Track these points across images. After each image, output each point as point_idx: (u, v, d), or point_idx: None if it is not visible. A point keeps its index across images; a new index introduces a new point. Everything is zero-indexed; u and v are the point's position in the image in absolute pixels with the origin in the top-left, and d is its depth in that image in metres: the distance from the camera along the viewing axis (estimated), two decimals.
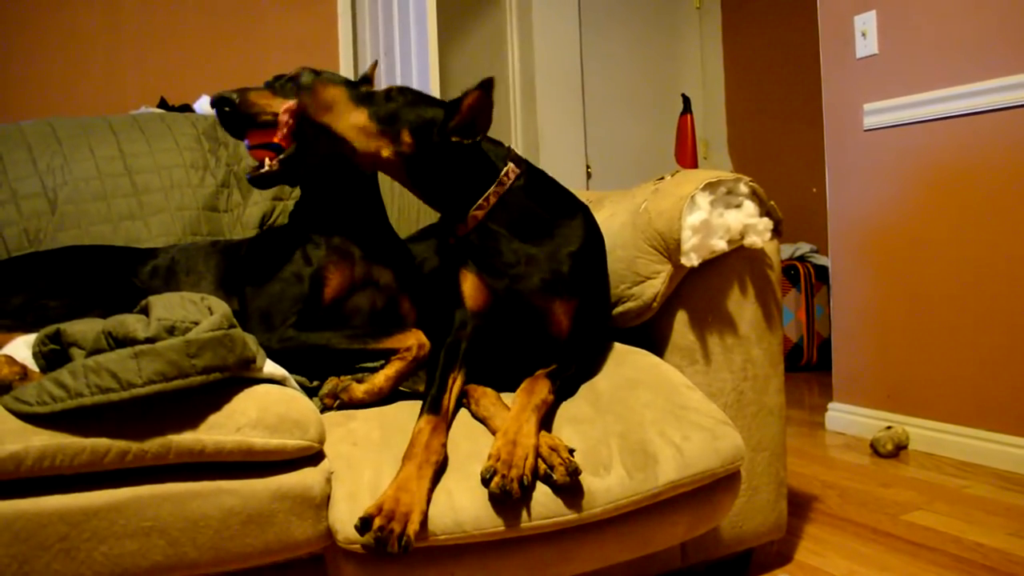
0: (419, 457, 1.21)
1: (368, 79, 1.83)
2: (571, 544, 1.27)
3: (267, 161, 1.59)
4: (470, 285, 1.49)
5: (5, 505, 1.04)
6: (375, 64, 1.95)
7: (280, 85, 1.67)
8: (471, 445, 1.30)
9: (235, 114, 1.58)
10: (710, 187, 1.59)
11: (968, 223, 2.55)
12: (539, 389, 1.36)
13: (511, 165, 1.50)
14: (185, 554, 1.12)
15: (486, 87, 1.40)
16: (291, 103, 1.55)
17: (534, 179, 1.53)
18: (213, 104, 1.59)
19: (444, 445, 1.26)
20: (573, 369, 1.48)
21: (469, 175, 1.47)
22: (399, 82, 3.99)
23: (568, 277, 1.47)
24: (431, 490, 1.19)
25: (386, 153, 1.45)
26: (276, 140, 1.55)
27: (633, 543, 1.35)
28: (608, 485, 1.26)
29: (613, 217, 1.73)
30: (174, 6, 3.96)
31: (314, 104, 1.46)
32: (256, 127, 1.60)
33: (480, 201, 1.46)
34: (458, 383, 1.40)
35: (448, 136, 1.43)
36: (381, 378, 1.45)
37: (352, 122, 1.45)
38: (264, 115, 1.59)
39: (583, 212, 1.56)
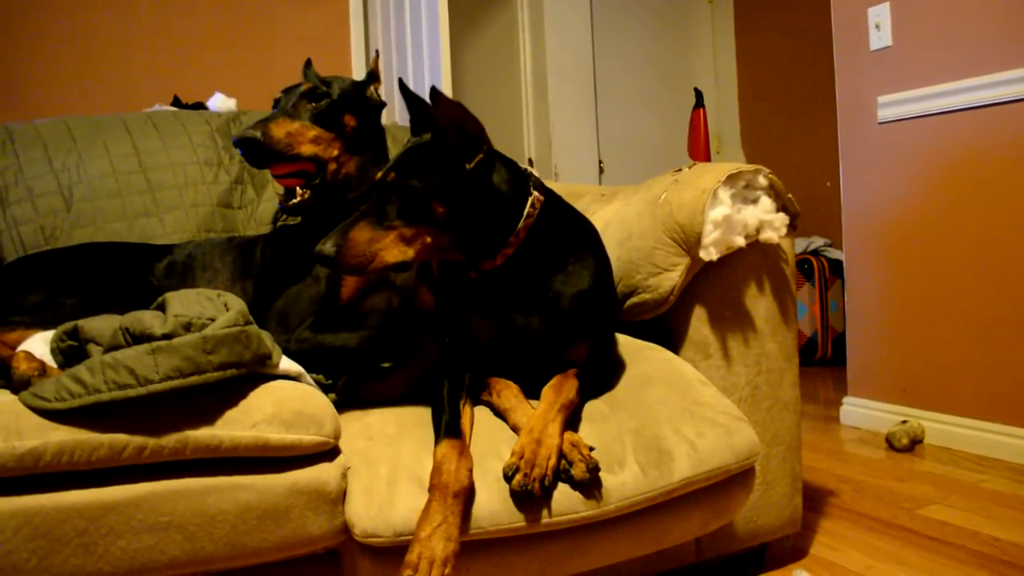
0: (450, 487, 1.16)
1: (376, 75, 1.82)
2: (585, 540, 1.27)
3: (298, 190, 1.60)
4: (478, 324, 1.43)
5: (24, 500, 1.05)
6: (377, 56, 1.95)
7: (293, 105, 1.66)
8: (489, 442, 1.30)
9: (262, 150, 1.58)
10: (730, 180, 1.58)
11: (984, 216, 2.53)
12: (567, 388, 1.34)
13: (535, 194, 1.38)
14: (202, 548, 1.13)
15: (434, 99, 1.26)
16: (314, 132, 1.59)
17: (552, 206, 1.43)
18: (237, 144, 1.59)
19: (471, 471, 1.20)
20: (594, 373, 1.46)
21: (501, 208, 1.35)
22: (411, 79, 4.00)
23: (582, 320, 1.42)
24: (463, 525, 1.17)
25: (429, 239, 1.30)
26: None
27: (647, 539, 1.35)
28: (622, 482, 1.26)
29: (627, 206, 1.72)
30: (186, 5, 3.97)
31: (360, 261, 1.27)
32: (283, 161, 1.61)
33: (511, 238, 1.35)
34: (467, 409, 1.35)
35: (464, 168, 1.30)
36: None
37: (393, 242, 1.28)
38: (290, 151, 1.60)
39: (594, 240, 1.50)
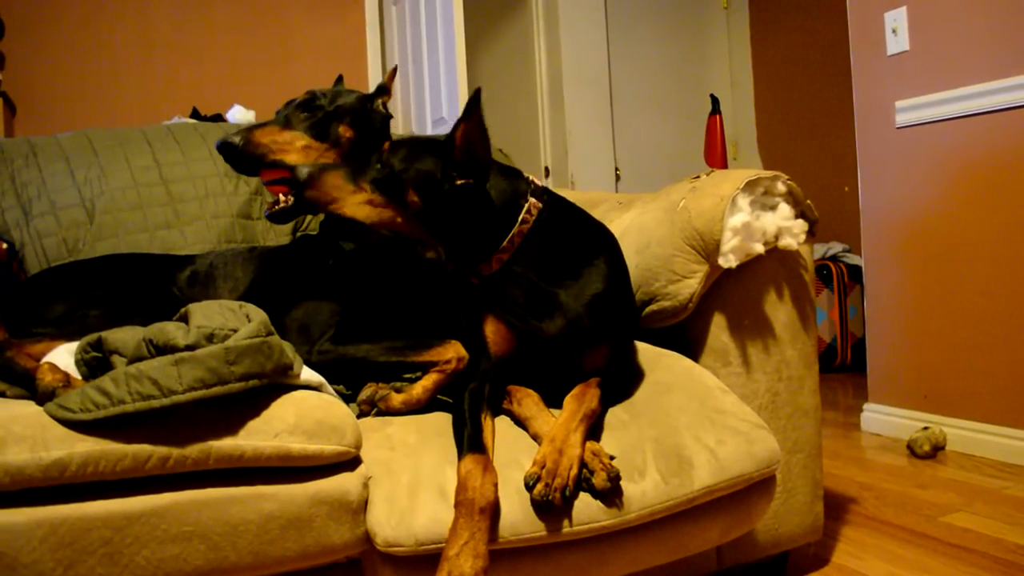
0: (476, 504, 1.15)
1: (385, 89, 1.83)
2: (605, 549, 1.27)
3: (281, 197, 1.60)
4: (493, 331, 1.43)
5: (50, 510, 1.06)
6: (394, 71, 1.95)
7: (287, 116, 1.68)
8: (509, 451, 1.30)
9: (242, 156, 1.60)
10: (749, 186, 1.58)
11: (1004, 220, 2.51)
12: (589, 398, 1.34)
13: (532, 200, 1.41)
14: (225, 558, 1.14)
15: (471, 111, 1.32)
16: (304, 142, 1.61)
17: (557, 212, 1.45)
18: (218, 149, 1.61)
19: (496, 485, 1.19)
20: (614, 382, 1.46)
21: (488, 217, 1.38)
22: (427, 88, 4.02)
23: (599, 325, 1.41)
24: (490, 541, 1.16)
25: (399, 219, 1.39)
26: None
27: (667, 547, 1.35)
28: (643, 490, 1.26)
29: (645, 214, 1.72)
30: (205, 18, 4.01)
31: (318, 197, 1.41)
32: (266, 166, 1.62)
33: (504, 244, 1.38)
34: (489, 421, 1.34)
35: (453, 181, 1.35)
36: (419, 389, 1.45)
37: (357, 202, 1.39)
38: (271, 155, 1.62)
39: (607, 245, 1.50)
